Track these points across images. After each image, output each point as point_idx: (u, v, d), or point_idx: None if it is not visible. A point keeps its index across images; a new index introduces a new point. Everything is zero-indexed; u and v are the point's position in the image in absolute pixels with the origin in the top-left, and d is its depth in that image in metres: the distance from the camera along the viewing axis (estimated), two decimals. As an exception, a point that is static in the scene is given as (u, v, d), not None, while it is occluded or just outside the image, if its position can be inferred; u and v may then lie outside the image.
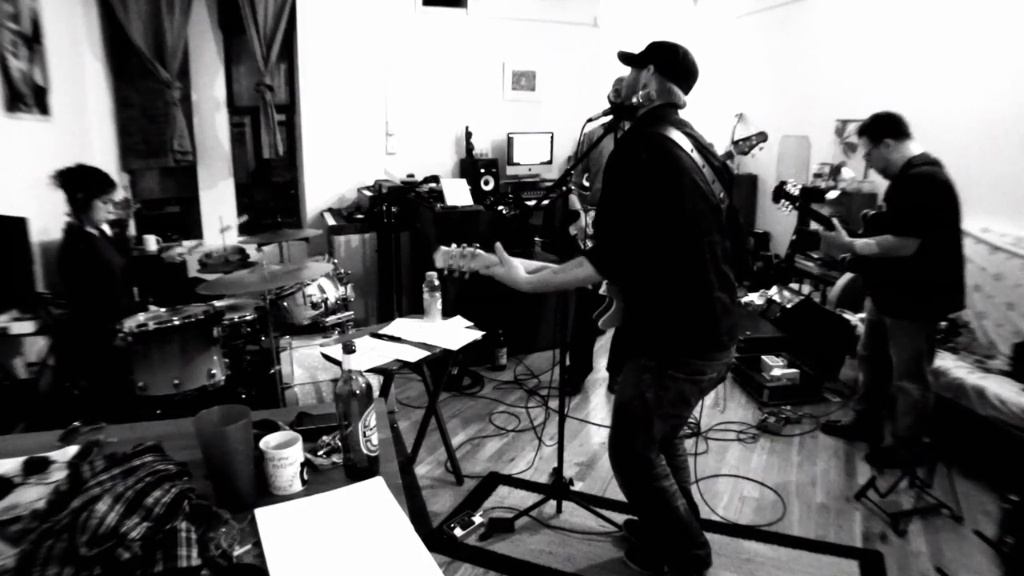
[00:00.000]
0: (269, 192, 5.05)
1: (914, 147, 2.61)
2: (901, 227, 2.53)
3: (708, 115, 5.42)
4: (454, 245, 1.93)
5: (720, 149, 2.29)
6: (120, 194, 3.94)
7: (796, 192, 2.85)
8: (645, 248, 1.74)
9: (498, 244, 1.88)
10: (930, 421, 2.70)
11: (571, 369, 3.66)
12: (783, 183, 2.86)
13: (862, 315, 3.66)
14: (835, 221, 2.70)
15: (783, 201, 2.85)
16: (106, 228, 2.98)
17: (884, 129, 2.62)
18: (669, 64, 1.85)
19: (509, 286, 1.89)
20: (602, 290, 2.02)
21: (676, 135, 1.77)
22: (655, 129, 1.78)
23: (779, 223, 5.17)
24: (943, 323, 3.12)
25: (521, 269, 1.88)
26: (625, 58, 1.94)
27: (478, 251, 1.90)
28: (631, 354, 1.96)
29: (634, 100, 1.86)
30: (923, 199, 2.51)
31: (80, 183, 2.77)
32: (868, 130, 2.67)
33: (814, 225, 2.94)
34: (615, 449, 2.03)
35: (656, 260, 1.76)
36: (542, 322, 4.20)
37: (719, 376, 1.95)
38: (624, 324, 1.97)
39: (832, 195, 4.02)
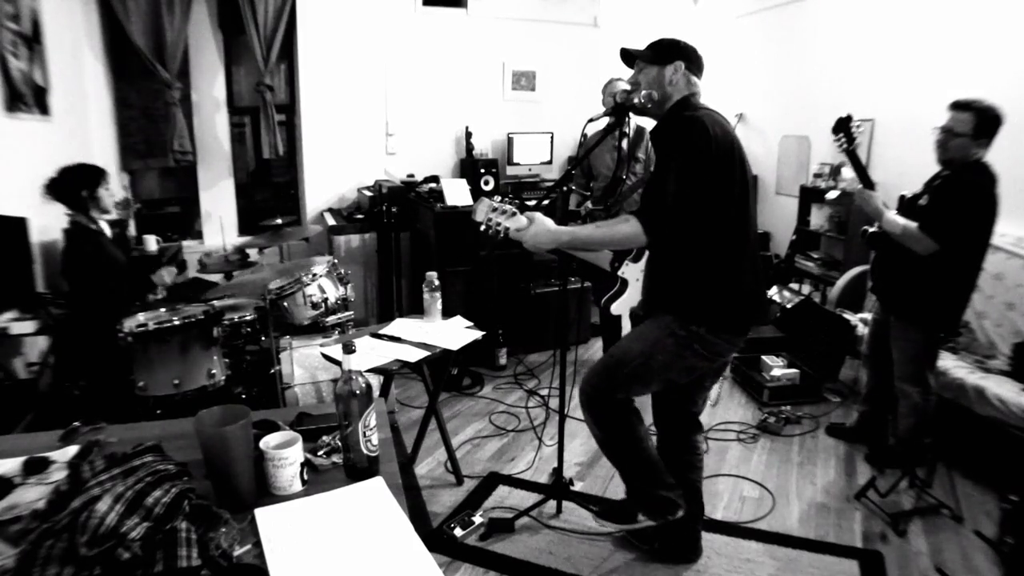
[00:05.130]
0: (269, 192, 5.05)
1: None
2: (930, 226, 2.46)
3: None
4: (497, 197, 1.90)
5: None
6: (120, 194, 3.95)
7: (856, 135, 2.68)
8: (699, 220, 1.75)
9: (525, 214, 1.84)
10: (932, 423, 2.68)
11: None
12: (849, 117, 2.69)
13: (862, 315, 3.67)
14: (875, 183, 2.64)
15: (841, 135, 2.69)
16: (106, 228, 2.97)
17: (993, 130, 2.44)
18: (695, 59, 1.91)
19: (542, 244, 1.79)
20: (622, 272, 2.00)
21: (718, 117, 1.82)
22: (702, 112, 1.80)
23: (779, 223, 5.17)
24: (949, 338, 3.03)
25: (551, 222, 1.79)
26: (647, 57, 1.92)
27: (516, 211, 1.82)
28: (661, 311, 1.92)
29: (636, 101, 1.87)
30: (968, 215, 2.42)
31: (79, 182, 2.76)
32: (982, 119, 2.42)
33: (847, 175, 2.84)
34: (595, 390, 1.98)
35: (709, 234, 1.79)
36: (542, 322, 4.20)
37: (724, 364, 1.99)
38: (656, 286, 1.93)
39: (832, 195, 4.02)
